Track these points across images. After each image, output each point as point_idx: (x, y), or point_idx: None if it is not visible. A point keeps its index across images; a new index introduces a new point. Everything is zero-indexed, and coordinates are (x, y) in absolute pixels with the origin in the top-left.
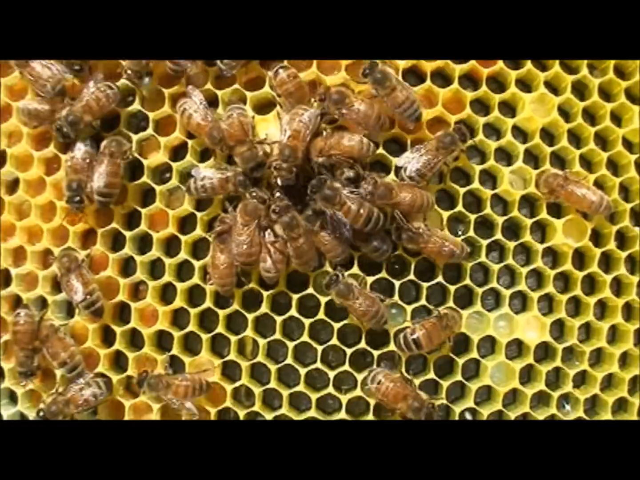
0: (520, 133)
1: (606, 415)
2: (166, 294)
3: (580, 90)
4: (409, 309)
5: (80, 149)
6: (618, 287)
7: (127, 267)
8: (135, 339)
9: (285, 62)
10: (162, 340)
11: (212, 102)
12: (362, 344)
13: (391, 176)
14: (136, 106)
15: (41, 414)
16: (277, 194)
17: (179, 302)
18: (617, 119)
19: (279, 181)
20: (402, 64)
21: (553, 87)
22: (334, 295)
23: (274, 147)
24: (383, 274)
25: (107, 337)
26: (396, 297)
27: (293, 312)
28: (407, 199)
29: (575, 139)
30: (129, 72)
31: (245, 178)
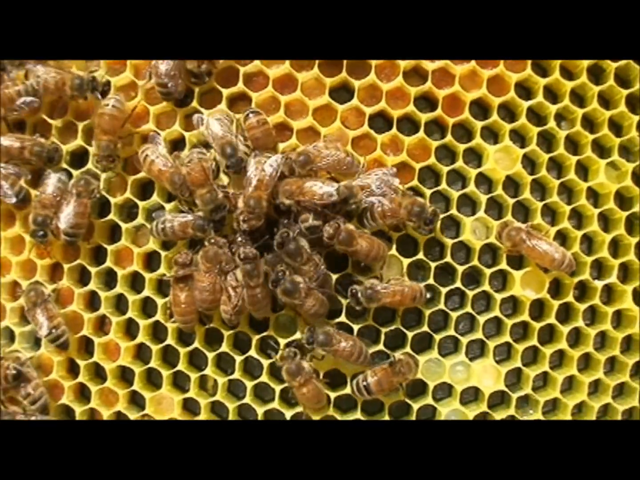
0: (486, 180)
1: None
2: (131, 328)
3: (548, 139)
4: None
5: (51, 185)
6: (577, 337)
7: (93, 301)
8: (99, 371)
9: (254, 107)
10: (126, 374)
11: (178, 142)
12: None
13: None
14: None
15: None
16: (239, 239)
17: (141, 337)
18: (584, 169)
19: (242, 225)
20: (369, 110)
21: (521, 136)
22: (318, 348)
23: (238, 198)
24: (342, 318)
25: (73, 368)
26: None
27: (252, 352)
28: (364, 248)
29: (541, 188)
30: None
31: (204, 223)
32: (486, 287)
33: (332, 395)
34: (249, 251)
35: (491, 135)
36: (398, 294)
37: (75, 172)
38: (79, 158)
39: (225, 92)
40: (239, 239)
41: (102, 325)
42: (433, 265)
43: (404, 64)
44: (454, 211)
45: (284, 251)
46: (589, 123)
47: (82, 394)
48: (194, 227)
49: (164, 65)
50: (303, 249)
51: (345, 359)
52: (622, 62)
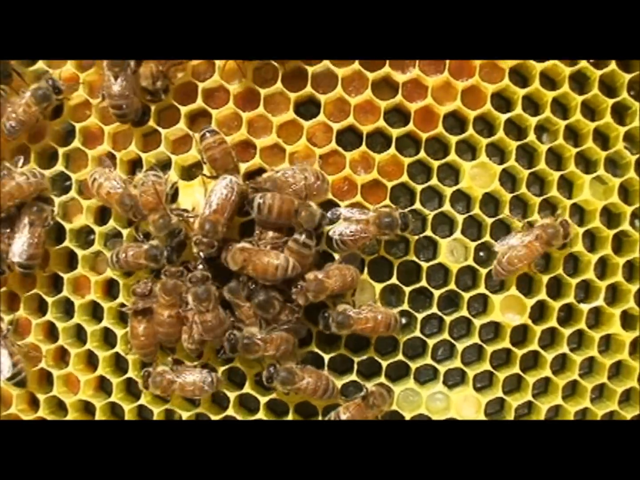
0: (464, 197)
1: None
2: (92, 359)
3: (529, 153)
4: (339, 383)
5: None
6: (563, 363)
7: (53, 331)
8: (61, 404)
9: (213, 126)
10: (89, 407)
11: (136, 163)
12: (291, 416)
13: None
14: (59, 167)
15: None
16: (200, 266)
17: (101, 370)
18: (568, 184)
19: (201, 254)
20: (337, 126)
21: (500, 150)
22: (279, 385)
23: (195, 220)
24: (312, 347)
25: (34, 401)
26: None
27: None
28: (337, 284)
29: (522, 205)
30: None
31: (157, 252)
32: (464, 312)
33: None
34: (198, 272)
35: (469, 149)
36: (371, 321)
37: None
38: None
39: (184, 109)
40: (200, 266)
41: (63, 355)
42: (408, 289)
43: (372, 75)
44: (429, 232)
45: (254, 305)
46: (573, 134)
47: None
48: (147, 257)
49: (116, 86)
50: (274, 298)
51: (310, 396)
52: (608, 69)
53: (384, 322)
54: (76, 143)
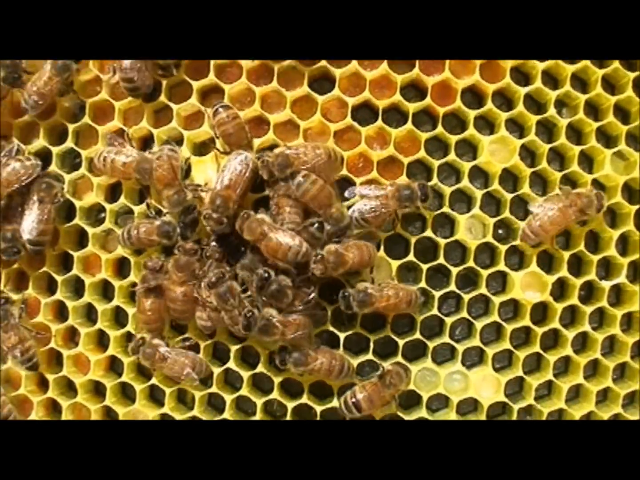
0: (482, 174)
1: None
2: (103, 339)
3: (548, 128)
4: (355, 362)
5: None
6: (583, 342)
7: (62, 311)
8: (71, 385)
9: (226, 101)
10: (99, 387)
11: (147, 140)
12: (305, 399)
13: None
14: (69, 144)
15: None
16: (213, 244)
17: (113, 349)
18: (588, 160)
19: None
20: (352, 101)
21: (519, 125)
22: (292, 367)
23: (207, 194)
24: (327, 326)
25: (43, 382)
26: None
27: (231, 364)
28: (355, 259)
29: (542, 181)
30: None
31: (170, 228)
32: (483, 289)
33: (318, 408)
34: (215, 274)
35: (486, 125)
36: (393, 298)
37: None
38: (42, 159)
39: (196, 84)
40: (212, 243)
41: (73, 336)
42: (425, 267)
43: None
44: (446, 209)
45: (267, 295)
46: (593, 110)
47: (54, 409)
48: (159, 234)
49: (127, 59)
50: (286, 287)
51: (325, 377)
52: None
53: (405, 298)
54: (86, 119)
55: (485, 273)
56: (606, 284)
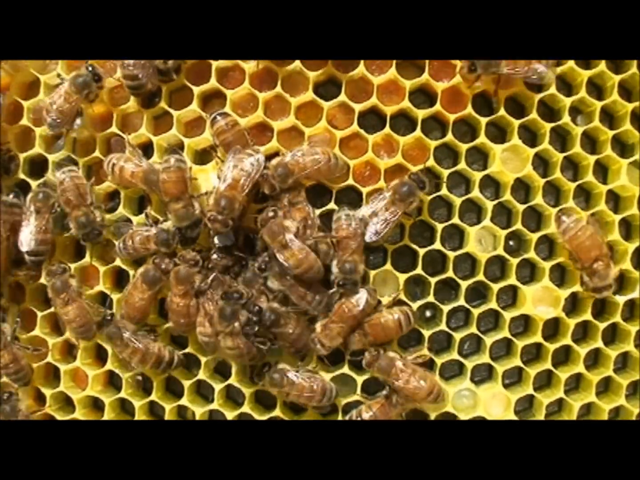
0: (493, 183)
1: None
2: (101, 352)
3: (562, 136)
4: (360, 379)
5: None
6: (596, 358)
7: (59, 323)
8: (69, 400)
9: (226, 109)
10: (97, 402)
11: (146, 147)
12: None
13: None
14: (65, 152)
15: None
16: (214, 256)
17: (110, 364)
18: (603, 170)
19: (215, 240)
20: (358, 107)
21: (532, 133)
22: (269, 385)
23: (210, 196)
24: None
25: (40, 396)
26: (346, 368)
27: (233, 380)
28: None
29: (555, 191)
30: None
31: (169, 236)
32: (493, 304)
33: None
34: (220, 300)
35: (498, 132)
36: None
37: (33, 184)
38: (38, 167)
39: (197, 89)
40: (214, 255)
41: (70, 350)
42: (433, 280)
43: None
44: (456, 219)
45: (263, 325)
46: (609, 117)
47: None
48: (157, 242)
49: None
50: (281, 315)
51: (305, 404)
52: None
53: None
54: (83, 126)
55: (495, 287)
56: (620, 299)
